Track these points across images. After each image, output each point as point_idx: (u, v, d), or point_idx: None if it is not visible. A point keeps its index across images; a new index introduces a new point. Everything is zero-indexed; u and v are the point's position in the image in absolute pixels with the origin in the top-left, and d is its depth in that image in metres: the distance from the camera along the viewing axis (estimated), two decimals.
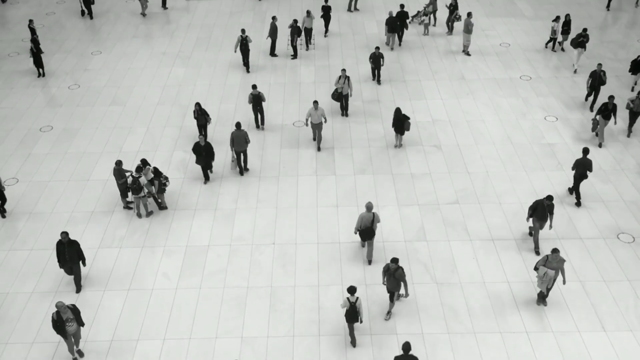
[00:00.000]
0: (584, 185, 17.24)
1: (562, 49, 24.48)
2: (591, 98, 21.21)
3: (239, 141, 17.42)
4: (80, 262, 13.92)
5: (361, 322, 12.54)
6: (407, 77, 22.90)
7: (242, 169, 17.87)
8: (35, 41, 22.67)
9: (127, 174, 16.33)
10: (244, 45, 22.89)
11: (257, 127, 19.93)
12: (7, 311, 13.79)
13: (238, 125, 17.33)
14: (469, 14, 23.40)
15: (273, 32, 23.84)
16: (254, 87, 19.30)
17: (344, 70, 19.72)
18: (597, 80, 19.95)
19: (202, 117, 18.54)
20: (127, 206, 16.65)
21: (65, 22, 27.80)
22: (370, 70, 22.76)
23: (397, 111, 18.27)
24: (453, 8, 25.59)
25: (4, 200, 16.32)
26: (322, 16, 25.80)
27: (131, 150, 19.05)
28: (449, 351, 12.72)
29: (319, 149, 18.69)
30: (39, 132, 20.07)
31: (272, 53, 24.49)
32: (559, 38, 25.26)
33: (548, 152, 18.62)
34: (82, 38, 26.29)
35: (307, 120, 18.27)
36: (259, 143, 19.27)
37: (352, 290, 12.23)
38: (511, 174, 17.79)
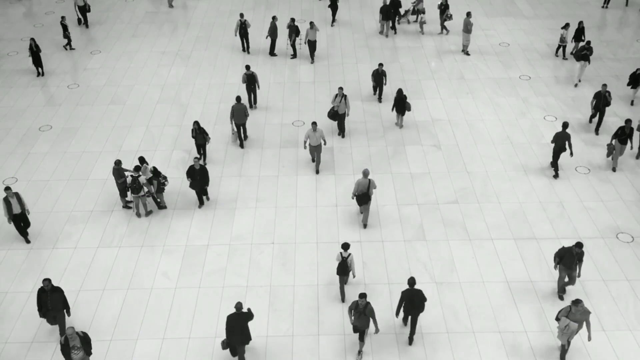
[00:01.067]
0: (583, 185, 17.25)
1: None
2: (596, 119, 19.93)
3: (239, 114, 18.45)
4: (65, 312, 12.68)
5: (354, 276, 13.59)
6: (406, 76, 22.89)
7: (242, 141, 18.95)
8: (67, 37, 24.66)
9: (127, 173, 16.32)
10: (242, 29, 23.97)
11: (251, 106, 20.77)
12: (7, 310, 13.78)
13: (238, 99, 18.39)
14: (468, 14, 23.40)
15: (273, 32, 23.84)
16: (247, 67, 20.27)
17: (341, 88, 18.63)
18: (601, 101, 18.77)
19: (200, 136, 17.69)
20: (126, 205, 16.65)
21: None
22: (372, 87, 21.54)
23: (399, 92, 19.20)
24: (444, 8, 25.63)
25: (27, 223, 15.51)
26: (329, 6, 26.79)
27: (131, 150, 19.04)
28: (448, 351, 12.73)
29: (317, 171, 17.77)
30: (38, 131, 20.06)
31: (272, 52, 24.48)
32: (570, 45, 24.49)
33: (547, 152, 18.63)
34: (81, 37, 26.27)
35: (305, 142, 17.36)
36: (258, 142, 19.27)
37: (345, 246, 13.31)
38: (510, 173, 17.80)
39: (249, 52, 24.68)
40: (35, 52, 22.62)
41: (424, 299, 12.34)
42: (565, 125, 17.13)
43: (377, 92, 21.29)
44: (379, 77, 20.72)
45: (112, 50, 25.19)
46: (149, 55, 24.70)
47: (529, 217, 16.16)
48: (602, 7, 28.50)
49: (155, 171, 16.19)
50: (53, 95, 22.07)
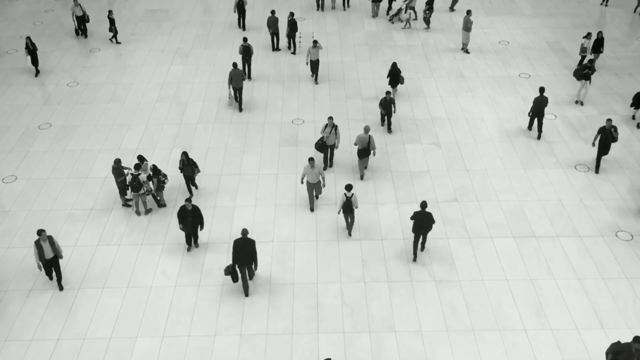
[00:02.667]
0: (582, 183, 17.25)
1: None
2: (596, 156, 17.52)
3: (236, 79, 20.30)
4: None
5: (356, 207, 15.09)
6: (405, 74, 22.88)
7: (240, 104, 20.61)
8: (113, 31, 24.89)
9: (126, 171, 16.31)
10: (240, 5, 25.59)
11: (244, 78, 21.17)
12: (6, 308, 13.78)
13: (234, 65, 20.11)
14: (468, 12, 23.39)
15: (273, 25, 23.96)
16: (245, 39, 21.92)
17: (331, 118, 17.09)
18: (608, 138, 17.00)
19: (189, 168, 16.11)
20: (125, 204, 16.64)
21: (64, 19, 27.73)
22: (380, 117, 19.85)
23: (394, 65, 20.60)
24: (429, 5, 25.96)
25: (58, 271, 13.95)
26: None
27: (130, 148, 19.03)
28: (447, 348, 12.74)
29: (312, 209, 16.24)
30: (37, 129, 20.04)
31: (276, 48, 24.67)
32: (590, 56, 23.21)
33: (547, 150, 18.63)
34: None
35: (302, 178, 15.91)
36: (258, 140, 19.26)
37: (348, 187, 14.82)
38: (510, 171, 17.80)
39: (244, 29, 25.95)
40: (32, 51, 22.49)
41: (433, 220, 14.35)
42: (542, 89, 18.53)
43: (386, 121, 19.34)
44: (387, 106, 18.78)
45: (111, 48, 25.16)
46: (148, 54, 24.68)
47: (528, 216, 16.17)
48: (601, 4, 28.48)
49: (155, 169, 16.18)
50: (52, 93, 22.04)
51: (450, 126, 19.85)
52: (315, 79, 22.11)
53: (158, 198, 16.51)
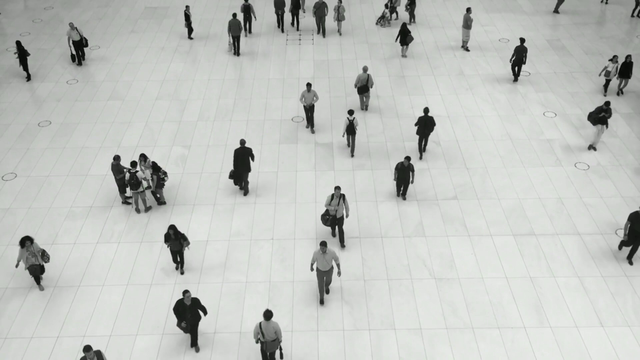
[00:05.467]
0: (582, 181, 17.26)
1: (621, 92, 21.08)
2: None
3: (235, 28, 23.13)
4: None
5: (357, 128, 17.92)
6: (405, 72, 22.87)
7: (237, 50, 23.61)
8: (188, 28, 25.04)
9: (125, 170, 16.29)
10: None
11: (245, 35, 23.80)
12: (6, 306, 13.79)
13: (234, 15, 22.76)
14: (468, 10, 23.36)
15: (281, 5, 25.23)
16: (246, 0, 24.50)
17: (338, 188, 14.51)
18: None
19: (176, 242, 13.95)
20: (125, 201, 16.64)
21: (64, 16, 27.71)
22: (395, 185, 16.93)
23: (404, 25, 22.89)
24: (411, 2, 26.19)
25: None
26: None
27: (130, 145, 19.02)
28: (447, 346, 12.76)
29: (321, 302, 13.70)
30: (37, 126, 20.03)
31: (281, 27, 26.05)
32: (614, 80, 22.08)
33: (547, 148, 18.63)
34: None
35: (312, 265, 13.42)
36: (257, 138, 19.26)
37: (350, 112, 17.19)
38: (510, 169, 17.80)
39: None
40: (21, 55, 21.96)
41: (434, 123, 17.46)
42: (522, 40, 20.90)
43: (402, 189, 16.68)
44: (404, 172, 16.09)
45: (111, 45, 25.14)
46: (148, 51, 24.66)
47: (528, 213, 16.18)
48: (601, 2, 28.46)
49: (154, 166, 16.17)
50: (52, 90, 22.02)
51: (450, 124, 19.85)
52: (311, 127, 19.35)
53: (158, 195, 16.51)
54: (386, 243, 15.32)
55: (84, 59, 23.71)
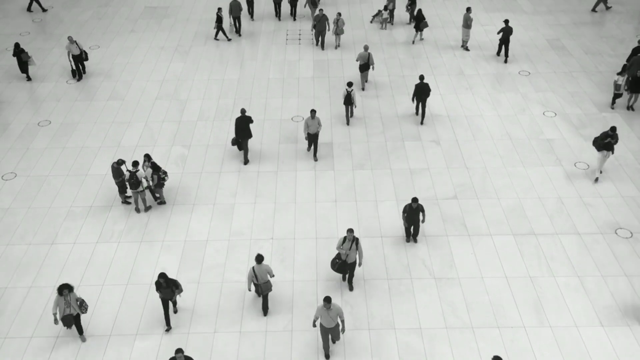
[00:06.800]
0: (582, 181, 17.25)
1: (632, 108, 19.88)
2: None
3: (235, 8, 24.63)
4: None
5: (355, 107, 19.63)
6: (405, 72, 22.87)
7: (239, 30, 25.10)
8: (219, 29, 24.89)
9: (127, 171, 16.26)
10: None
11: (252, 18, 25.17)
12: (6, 305, 13.79)
13: None
14: (468, 9, 23.36)
15: None
16: None
17: (350, 231, 13.30)
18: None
19: (167, 290, 12.70)
20: (125, 201, 16.64)
21: (63, 16, 27.70)
22: (404, 228, 15.33)
23: (419, 12, 24.18)
24: (411, 2, 26.18)
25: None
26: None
27: (129, 145, 19.02)
28: (447, 346, 12.75)
29: (327, 356, 12.54)
30: (37, 126, 20.02)
31: (293, 16, 27.10)
32: (624, 95, 20.66)
33: (546, 148, 18.63)
34: (80, 32, 26.19)
35: (314, 321, 12.30)
36: (257, 137, 19.25)
37: (349, 84, 18.75)
38: (510, 169, 17.80)
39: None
40: (18, 57, 21.85)
41: (429, 89, 19.03)
42: (506, 21, 22.63)
43: (412, 233, 15.27)
44: (414, 214, 14.70)
45: (111, 45, 25.13)
46: (148, 51, 24.65)
47: (528, 213, 16.17)
48: (606, 9, 28.38)
49: (154, 166, 16.16)
50: (52, 90, 22.01)
51: (450, 123, 19.84)
52: (314, 155, 18.21)
53: (157, 195, 16.51)
54: (386, 242, 15.32)
55: (84, 73, 22.88)
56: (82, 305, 12.55)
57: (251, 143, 19.06)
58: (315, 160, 18.06)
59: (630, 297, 13.77)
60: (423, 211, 14.69)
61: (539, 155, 18.32)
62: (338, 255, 13.58)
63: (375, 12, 27.23)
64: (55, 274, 14.54)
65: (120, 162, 15.88)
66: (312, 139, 17.88)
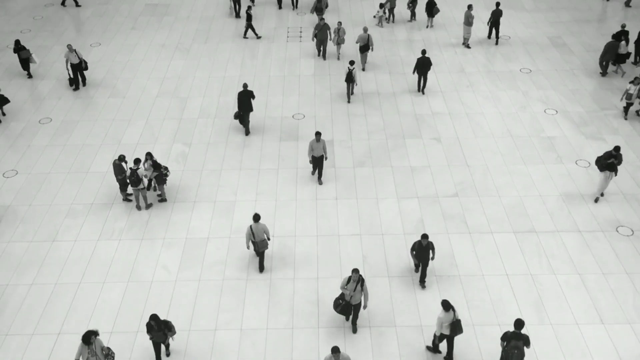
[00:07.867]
0: (583, 178, 17.23)
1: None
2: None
3: None
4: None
5: (356, 84, 20.85)
6: (406, 69, 22.84)
7: (237, 13, 26.70)
8: (249, 28, 25.08)
9: (126, 168, 16.28)
10: None
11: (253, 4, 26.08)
12: (7, 302, 13.81)
13: None
14: (470, 7, 23.33)
15: None
16: None
17: (356, 271, 12.34)
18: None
19: (159, 333, 11.85)
20: (126, 198, 16.64)
21: (64, 14, 27.69)
22: (414, 265, 14.56)
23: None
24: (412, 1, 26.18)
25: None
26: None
27: (130, 143, 19.02)
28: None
29: None
30: (38, 124, 20.03)
31: (279, 5, 27.96)
32: (636, 104, 20.27)
33: (547, 145, 18.62)
34: (80, 30, 26.19)
35: None
36: (257, 136, 19.25)
37: (351, 62, 19.77)
38: (510, 167, 17.78)
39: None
40: (19, 54, 21.79)
41: (431, 63, 20.41)
42: (497, 4, 23.61)
43: (420, 270, 13.99)
44: (423, 252, 13.62)
45: (112, 43, 25.12)
46: (149, 49, 24.64)
47: (528, 211, 16.17)
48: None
49: (155, 164, 16.16)
50: (53, 88, 22.01)
51: (451, 121, 19.83)
52: (319, 178, 17.25)
53: (158, 192, 16.50)
54: (387, 240, 15.32)
55: (84, 85, 21.93)
56: (109, 356, 11.32)
57: (252, 140, 19.06)
58: (320, 183, 17.00)
59: (631, 295, 13.77)
60: (433, 248, 13.65)
61: (540, 153, 18.31)
62: (342, 296, 12.65)
63: (376, 11, 27.18)
64: (56, 272, 14.56)
65: (122, 158, 15.88)
66: (317, 162, 16.78)
